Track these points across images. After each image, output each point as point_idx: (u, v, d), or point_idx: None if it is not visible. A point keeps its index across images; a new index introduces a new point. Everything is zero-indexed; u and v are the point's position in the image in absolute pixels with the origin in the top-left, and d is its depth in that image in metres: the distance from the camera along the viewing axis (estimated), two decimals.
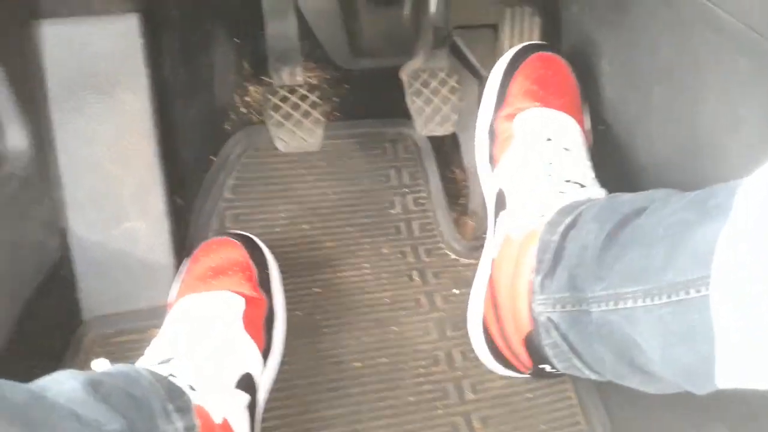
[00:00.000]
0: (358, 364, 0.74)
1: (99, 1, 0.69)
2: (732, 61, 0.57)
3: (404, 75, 0.79)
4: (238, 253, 0.71)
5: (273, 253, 0.76)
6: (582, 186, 0.65)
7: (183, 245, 0.77)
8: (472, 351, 0.76)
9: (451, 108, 0.78)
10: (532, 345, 0.63)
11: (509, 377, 0.75)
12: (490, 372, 0.76)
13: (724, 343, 0.43)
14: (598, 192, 0.65)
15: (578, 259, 0.56)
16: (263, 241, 0.75)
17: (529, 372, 0.68)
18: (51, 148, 0.70)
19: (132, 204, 0.74)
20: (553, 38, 0.87)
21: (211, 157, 0.86)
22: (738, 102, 0.58)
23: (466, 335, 0.77)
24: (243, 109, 0.91)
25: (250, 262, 0.70)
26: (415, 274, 0.83)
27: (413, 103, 0.77)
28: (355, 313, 0.78)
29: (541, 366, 0.64)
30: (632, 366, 0.54)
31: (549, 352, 0.60)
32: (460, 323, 0.78)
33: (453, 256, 0.87)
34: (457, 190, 0.97)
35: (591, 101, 0.80)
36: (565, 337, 0.58)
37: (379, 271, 0.83)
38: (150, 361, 0.59)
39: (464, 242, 0.88)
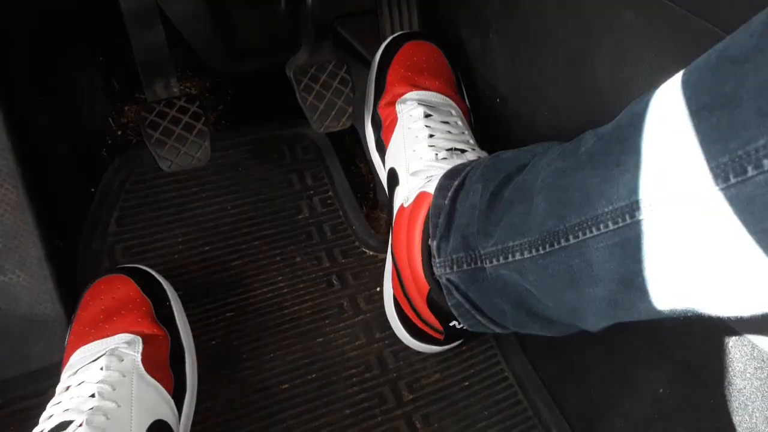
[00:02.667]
0: (286, 386, 0.69)
1: None
2: (619, 17, 0.56)
3: (290, 72, 0.74)
4: (129, 288, 0.65)
5: (174, 281, 0.70)
6: (464, 151, 0.68)
7: (72, 292, 0.69)
8: (403, 349, 0.73)
9: (344, 101, 0.74)
10: (434, 305, 0.64)
11: (443, 370, 0.73)
12: (424, 367, 0.73)
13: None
14: (480, 153, 0.68)
15: (468, 219, 0.58)
16: (161, 271, 0.69)
17: (442, 337, 0.68)
18: None
19: (5, 255, 0.65)
20: (432, 17, 0.84)
21: (92, 189, 0.79)
22: (630, 58, 0.57)
23: (394, 334, 0.73)
24: (119, 132, 0.83)
25: (144, 296, 0.65)
26: (333, 279, 0.79)
27: (305, 101, 0.73)
28: (275, 331, 0.73)
29: (450, 324, 0.65)
30: (530, 314, 0.56)
31: (454, 312, 0.61)
32: (387, 322, 0.74)
33: (370, 253, 0.83)
34: (364, 184, 0.93)
35: (483, 76, 0.78)
36: (465, 296, 0.60)
37: (295, 282, 0.78)
38: (46, 430, 0.52)
39: (379, 237, 0.85)
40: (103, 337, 0.61)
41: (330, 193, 0.87)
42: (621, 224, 0.41)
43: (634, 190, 0.40)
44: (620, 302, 0.45)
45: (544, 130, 0.72)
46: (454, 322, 0.64)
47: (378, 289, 0.78)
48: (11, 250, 0.66)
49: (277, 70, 0.85)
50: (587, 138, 0.48)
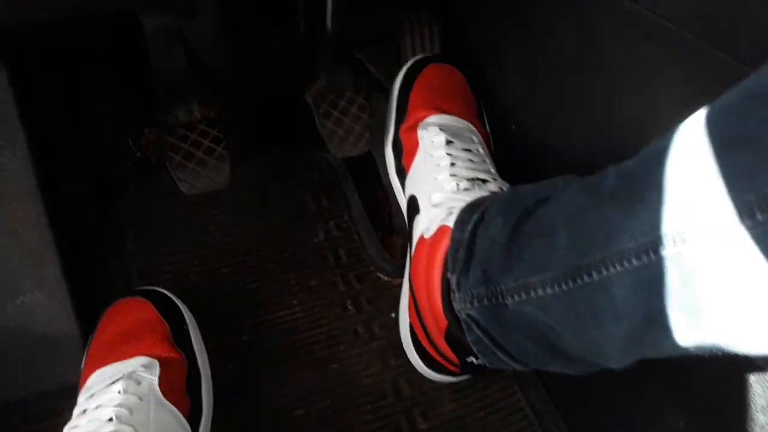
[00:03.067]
0: (301, 412, 0.69)
1: None
2: (641, 50, 0.56)
3: (309, 97, 0.75)
4: (147, 311, 0.65)
5: (190, 304, 0.69)
6: (485, 181, 0.68)
7: (89, 312, 0.69)
8: (418, 377, 0.73)
9: (363, 126, 0.74)
10: (452, 340, 0.63)
11: (458, 399, 0.72)
12: (439, 396, 0.72)
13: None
14: (501, 185, 0.68)
15: (488, 253, 0.57)
16: (177, 293, 0.69)
17: (459, 370, 0.68)
18: None
19: (25, 275, 0.66)
20: (454, 42, 0.85)
21: (110, 209, 0.79)
22: (653, 90, 0.57)
23: (409, 361, 0.73)
24: (138, 154, 0.84)
25: (162, 319, 0.65)
26: (349, 304, 0.79)
27: (324, 127, 0.73)
28: (291, 356, 0.73)
29: (468, 360, 0.64)
30: (553, 352, 0.55)
31: (473, 348, 0.61)
32: (403, 349, 0.74)
33: (385, 278, 0.83)
34: (380, 209, 0.93)
35: (498, 102, 0.79)
36: (486, 332, 0.59)
37: (311, 307, 0.78)
38: None
39: (394, 262, 0.84)
40: (120, 359, 0.60)
41: (346, 217, 0.87)
42: (645, 260, 0.41)
43: (657, 225, 0.40)
44: (645, 339, 0.44)
45: (561, 160, 0.72)
46: (471, 358, 0.63)
47: (393, 315, 0.78)
48: (30, 268, 0.66)
49: (295, 94, 0.86)
50: (609, 173, 0.47)
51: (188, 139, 0.68)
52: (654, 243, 0.40)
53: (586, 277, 0.46)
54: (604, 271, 0.44)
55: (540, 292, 0.50)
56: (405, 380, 0.73)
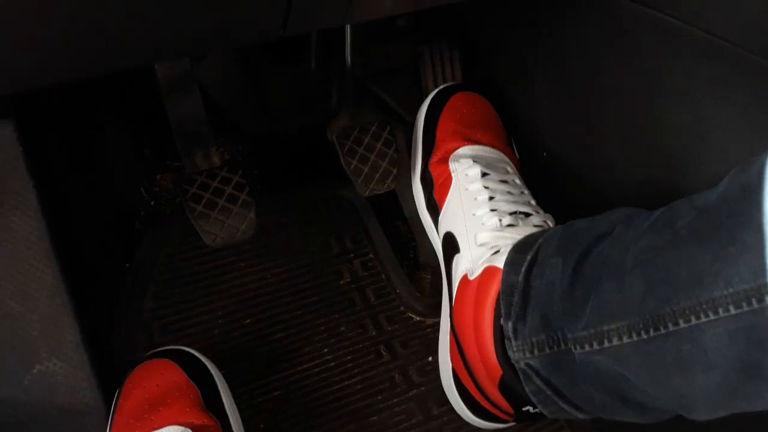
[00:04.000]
0: None
1: None
2: (690, 68, 0.53)
3: (333, 136, 0.71)
4: (174, 374, 0.61)
5: (216, 360, 0.65)
6: (528, 215, 0.64)
7: (110, 376, 0.65)
8: (463, 425, 0.68)
9: (389, 162, 0.71)
10: (508, 390, 0.59)
11: None
12: None
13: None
14: (545, 218, 0.65)
15: (547, 297, 0.53)
16: (201, 348, 0.65)
17: (512, 419, 0.64)
18: None
19: (41, 341, 0.62)
20: (476, 69, 0.82)
21: (126, 264, 0.75)
22: (703, 109, 0.53)
23: (453, 409, 0.69)
24: (152, 202, 0.80)
25: (191, 382, 0.61)
26: (382, 349, 0.75)
27: (349, 165, 0.69)
28: (326, 410, 0.69)
29: (524, 409, 0.60)
30: (624, 401, 0.51)
31: (532, 398, 0.57)
32: (443, 395, 0.70)
33: (417, 318, 0.79)
34: (404, 243, 0.90)
35: (526, 128, 0.75)
36: (547, 382, 0.55)
37: (343, 355, 0.74)
38: None
39: (424, 300, 0.81)
40: (149, 430, 0.56)
41: (371, 255, 0.83)
42: (745, 308, 0.37)
43: (760, 271, 0.36)
44: (741, 392, 0.40)
45: (599, 188, 0.68)
46: (528, 407, 0.59)
47: (430, 359, 0.74)
48: (47, 336, 0.62)
49: (310, 131, 0.82)
50: (683, 210, 0.44)
51: (209, 186, 0.64)
52: (757, 291, 0.37)
53: (671, 326, 0.42)
54: (693, 320, 0.40)
55: (615, 341, 0.46)
56: (450, 430, 0.69)
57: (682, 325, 0.41)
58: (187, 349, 0.64)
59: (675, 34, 0.53)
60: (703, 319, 0.40)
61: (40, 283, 0.62)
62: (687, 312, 0.41)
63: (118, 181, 0.80)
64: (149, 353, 0.64)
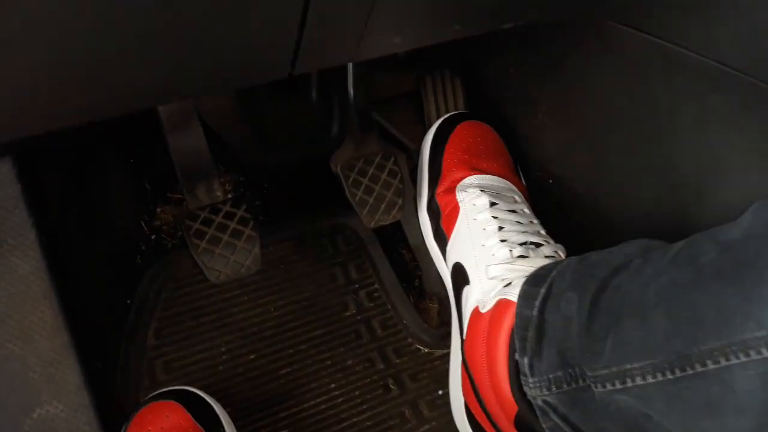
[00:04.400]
0: None
1: None
2: (702, 100, 0.52)
3: (337, 167, 0.70)
4: (179, 416, 0.59)
5: (221, 398, 0.64)
6: (538, 245, 0.63)
7: (112, 418, 0.63)
8: None
9: (394, 193, 0.70)
10: (524, 426, 0.57)
11: None
12: None
13: None
14: (556, 248, 0.64)
15: (563, 333, 0.52)
16: (205, 386, 0.64)
17: None
18: None
19: (41, 385, 0.60)
20: (478, 98, 0.81)
21: (127, 300, 0.73)
22: (716, 141, 0.53)
23: None
24: (152, 236, 0.79)
25: (196, 423, 0.59)
26: (390, 383, 0.73)
27: (354, 196, 0.68)
28: None
29: None
30: None
31: None
32: (456, 430, 0.68)
33: (425, 350, 0.77)
34: (408, 271, 0.88)
35: (531, 157, 0.75)
36: (566, 419, 0.53)
37: (350, 390, 0.72)
38: None
39: (431, 331, 0.79)
40: None
41: (376, 285, 0.82)
42: None
43: None
44: None
45: (607, 216, 0.67)
46: None
47: (440, 392, 0.72)
48: (47, 378, 0.60)
49: (312, 161, 0.81)
50: (705, 247, 0.43)
51: (213, 222, 0.63)
52: None
53: (698, 367, 0.41)
54: (723, 361, 0.39)
55: (639, 380, 0.45)
56: None
57: (711, 366, 0.40)
58: (191, 389, 0.62)
59: (684, 63, 0.52)
60: (734, 361, 0.39)
61: (40, 324, 0.60)
62: (716, 353, 0.40)
63: (118, 216, 0.78)
64: (153, 395, 0.63)
